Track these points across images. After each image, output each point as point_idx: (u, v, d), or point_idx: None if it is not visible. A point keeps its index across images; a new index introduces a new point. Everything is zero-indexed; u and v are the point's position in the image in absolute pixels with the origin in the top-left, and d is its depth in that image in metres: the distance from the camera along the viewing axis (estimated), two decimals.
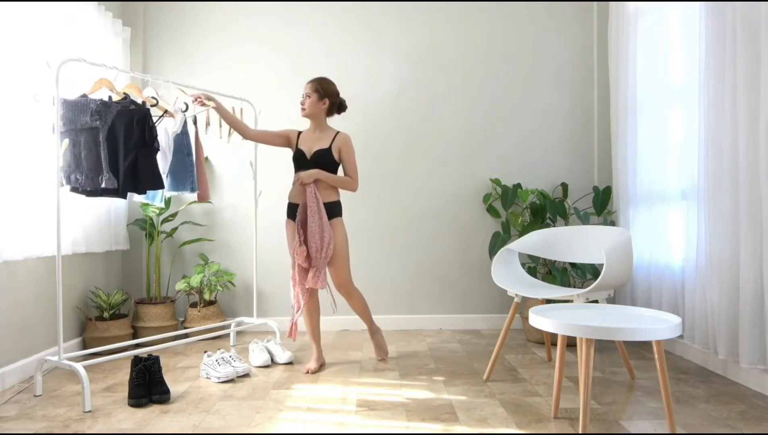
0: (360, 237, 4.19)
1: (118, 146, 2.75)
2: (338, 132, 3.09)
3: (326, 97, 3.05)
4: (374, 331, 3.31)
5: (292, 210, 3.08)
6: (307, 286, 2.99)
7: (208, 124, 3.45)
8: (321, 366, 3.13)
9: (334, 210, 3.06)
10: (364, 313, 3.25)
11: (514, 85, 4.30)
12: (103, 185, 2.69)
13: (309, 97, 3.02)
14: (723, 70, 2.78)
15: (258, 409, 2.48)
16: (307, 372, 3.04)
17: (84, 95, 2.79)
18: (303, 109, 3.05)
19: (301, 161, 3.06)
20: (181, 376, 2.99)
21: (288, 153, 4.25)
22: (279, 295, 4.26)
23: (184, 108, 3.23)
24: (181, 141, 3.25)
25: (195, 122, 3.37)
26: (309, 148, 3.06)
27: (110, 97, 2.80)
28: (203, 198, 3.42)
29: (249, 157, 4.14)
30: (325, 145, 3.03)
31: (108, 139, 2.71)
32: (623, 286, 3.45)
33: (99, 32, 3.67)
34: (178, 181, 3.28)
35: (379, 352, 3.30)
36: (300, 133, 3.14)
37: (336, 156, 3.05)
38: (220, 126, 3.50)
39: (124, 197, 2.83)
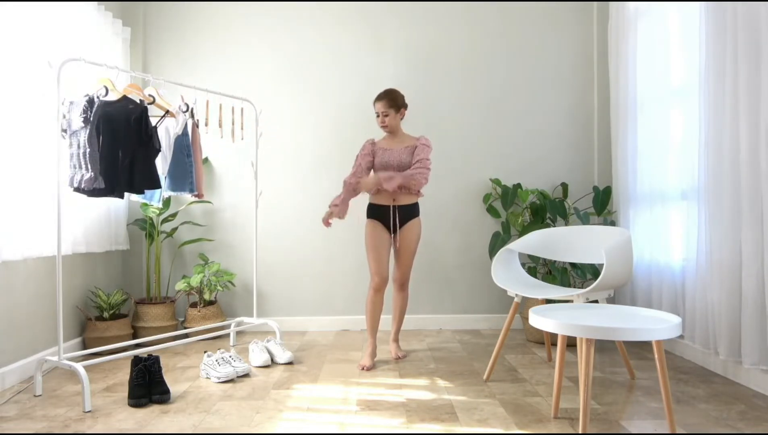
0: (360, 236, 4.19)
1: (117, 145, 2.74)
2: (417, 138, 3.28)
3: (400, 108, 3.28)
4: (396, 338, 3.44)
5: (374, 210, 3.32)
6: None
7: (206, 123, 3.45)
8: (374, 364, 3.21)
9: (414, 210, 3.32)
10: (403, 315, 3.42)
11: (514, 85, 4.30)
12: (95, 186, 2.67)
13: (387, 115, 3.22)
14: (723, 70, 2.78)
15: (258, 409, 2.48)
16: (363, 368, 3.09)
17: (86, 95, 2.79)
18: (385, 126, 3.25)
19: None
20: (181, 376, 2.99)
21: (289, 154, 4.26)
22: (279, 295, 4.26)
23: (185, 108, 3.22)
24: (182, 142, 3.24)
25: (196, 122, 3.36)
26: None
27: (97, 96, 2.77)
28: (199, 196, 3.42)
29: (249, 157, 4.14)
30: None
31: (105, 137, 2.69)
32: (623, 286, 3.45)
33: (99, 32, 3.67)
34: (178, 182, 3.27)
35: (399, 351, 3.38)
36: (374, 141, 3.33)
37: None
38: (220, 126, 3.49)
39: (121, 197, 2.82)
